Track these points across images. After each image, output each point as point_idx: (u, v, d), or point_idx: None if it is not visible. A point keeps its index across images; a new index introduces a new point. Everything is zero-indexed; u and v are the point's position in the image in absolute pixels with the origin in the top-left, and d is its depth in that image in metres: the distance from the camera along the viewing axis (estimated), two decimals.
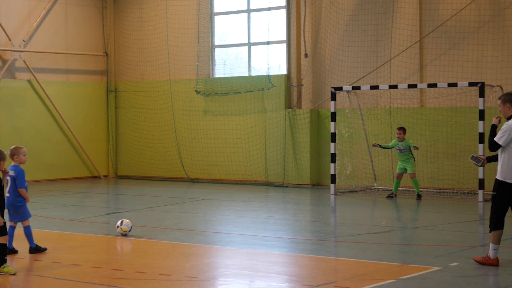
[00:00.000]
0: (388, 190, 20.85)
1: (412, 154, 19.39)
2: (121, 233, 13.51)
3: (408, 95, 21.32)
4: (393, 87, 20.14)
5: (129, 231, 13.53)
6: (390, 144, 19.78)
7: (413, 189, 20.12)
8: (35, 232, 12.22)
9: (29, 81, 24.98)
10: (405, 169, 19.41)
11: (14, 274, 10.41)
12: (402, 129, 19.45)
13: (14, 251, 11.83)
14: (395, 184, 19.70)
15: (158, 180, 25.70)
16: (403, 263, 11.07)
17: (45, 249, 11.97)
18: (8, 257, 10.71)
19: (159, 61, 25.99)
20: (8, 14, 24.50)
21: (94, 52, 26.77)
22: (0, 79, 24.17)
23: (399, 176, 19.60)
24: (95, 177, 26.75)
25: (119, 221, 13.66)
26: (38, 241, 12.06)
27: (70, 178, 26.05)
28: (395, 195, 19.67)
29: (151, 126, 26.23)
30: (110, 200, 21.54)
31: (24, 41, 24.71)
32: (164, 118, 25.93)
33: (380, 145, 19.91)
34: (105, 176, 27.03)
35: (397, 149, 19.41)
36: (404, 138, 19.34)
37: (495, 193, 10.72)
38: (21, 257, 11.59)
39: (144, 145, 26.38)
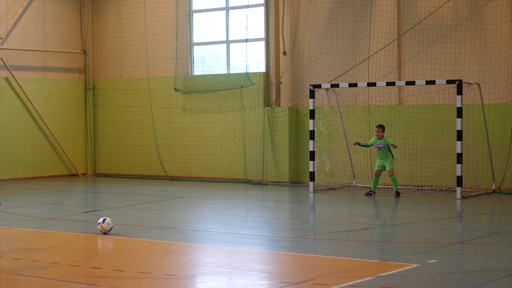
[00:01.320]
0: (366, 187, 20.91)
1: (390, 152, 19.43)
2: (101, 231, 13.47)
3: (387, 93, 21.39)
4: (371, 84, 20.18)
5: (109, 230, 13.47)
6: (369, 142, 19.82)
7: (391, 186, 20.18)
8: (12, 230, 12.13)
9: (6, 78, 24.82)
10: (384, 167, 19.46)
11: None
12: (381, 127, 19.49)
13: None
14: (373, 182, 19.75)
15: (136, 178, 25.63)
16: (382, 260, 11.10)
17: None
18: None
19: (137, 59, 25.91)
20: None
21: (72, 49, 26.63)
22: None
23: (378, 174, 19.66)
24: (73, 175, 26.62)
25: (101, 219, 13.59)
26: (15, 240, 11.97)
27: (48, 176, 25.91)
28: (374, 193, 19.72)
29: (129, 124, 26.16)
30: (88, 198, 21.44)
31: (1, 38, 24.55)
32: (142, 116, 25.86)
33: (359, 143, 19.95)
34: (83, 174, 26.92)
35: (376, 147, 19.45)
36: (383, 136, 19.38)
37: None
38: None
39: (123, 143, 26.29)
